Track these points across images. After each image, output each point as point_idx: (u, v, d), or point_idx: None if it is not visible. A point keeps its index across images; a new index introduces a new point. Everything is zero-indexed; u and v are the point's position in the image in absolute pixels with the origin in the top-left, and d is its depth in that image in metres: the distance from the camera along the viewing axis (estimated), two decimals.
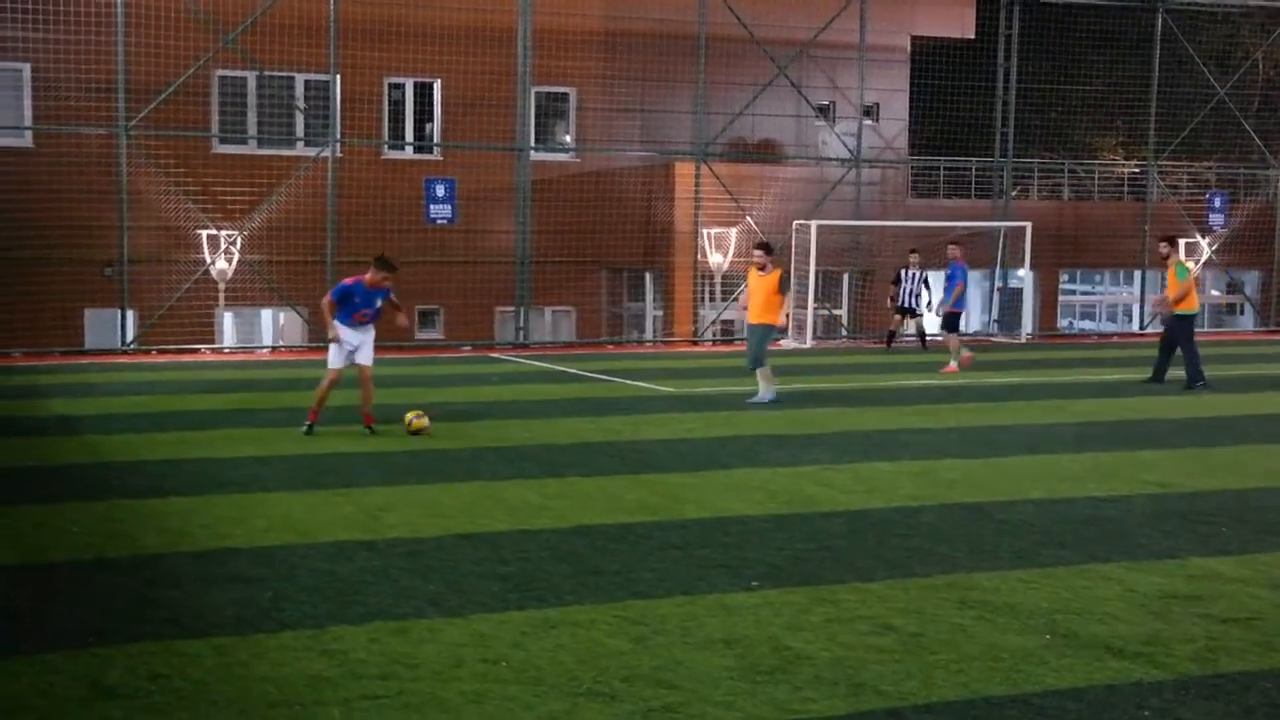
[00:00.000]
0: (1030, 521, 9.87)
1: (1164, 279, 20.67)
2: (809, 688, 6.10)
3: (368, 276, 14.07)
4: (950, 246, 23.66)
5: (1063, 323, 34.91)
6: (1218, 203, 32.54)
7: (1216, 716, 5.76)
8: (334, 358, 14.13)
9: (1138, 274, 33.27)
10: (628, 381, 20.12)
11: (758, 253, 17.66)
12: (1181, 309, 19.89)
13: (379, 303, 14.18)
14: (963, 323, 24.02)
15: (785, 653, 6.61)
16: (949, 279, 23.59)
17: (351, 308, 14.01)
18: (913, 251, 26.47)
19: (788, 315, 17.52)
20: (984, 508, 10.38)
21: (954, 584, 7.99)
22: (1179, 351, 19.77)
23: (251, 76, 27.56)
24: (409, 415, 14.11)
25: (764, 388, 17.35)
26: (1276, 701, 5.94)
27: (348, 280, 14.13)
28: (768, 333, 17.51)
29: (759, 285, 17.42)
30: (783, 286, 17.44)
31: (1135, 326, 33.39)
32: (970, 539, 9.25)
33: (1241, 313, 35.78)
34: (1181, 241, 24.14)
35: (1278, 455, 13.11)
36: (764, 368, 17.39)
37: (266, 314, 28.86)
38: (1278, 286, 33.79)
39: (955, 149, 32.16)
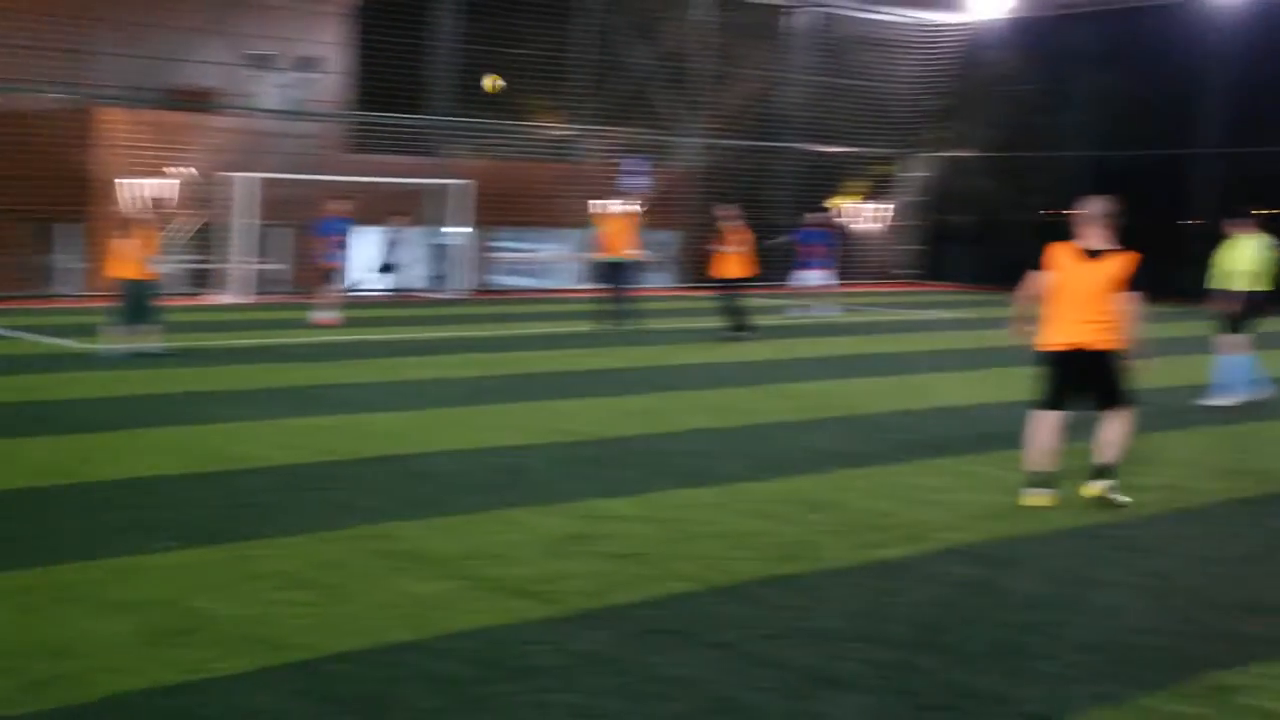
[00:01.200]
0: (448, 471, 10.17)
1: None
2: (217, 646, 6.03)
3: None
4: (331, 202, 23.51)
5: (497, 279, 35.97)
6: (638, 166, 34.55)
7: (601, 644, 6.20)
8: None
9: (568, 233, 34.79)
10: (42, 339, 18.95)
11: (143, 208, 17.29)
12: (627, 256, 22.67)
13: None
14: (340, 279, 23.66)
15: (196, 613, 6.50)
16: (323, 233, 23.27)
17: None
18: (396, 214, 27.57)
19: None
20: (405, 459, 10.60)
21: (371, 535, 8.12)
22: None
23: None
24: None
25: (133, 343, 16.98)
26: (654, 627, 6.46)
27: None
28: (148, 289, 17.14)
29: (138, 241, 17.04)
30: (154, 242, 17.20)
31: (566, 283, 34.92)
32: (390, 490, 9.43)
33: (661, 271, 38.22)
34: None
35: (688, 400, 14.17)
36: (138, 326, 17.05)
37: None
38: (691, 245, 36.32)
39: (396, 105, 32.28)
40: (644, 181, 34.36)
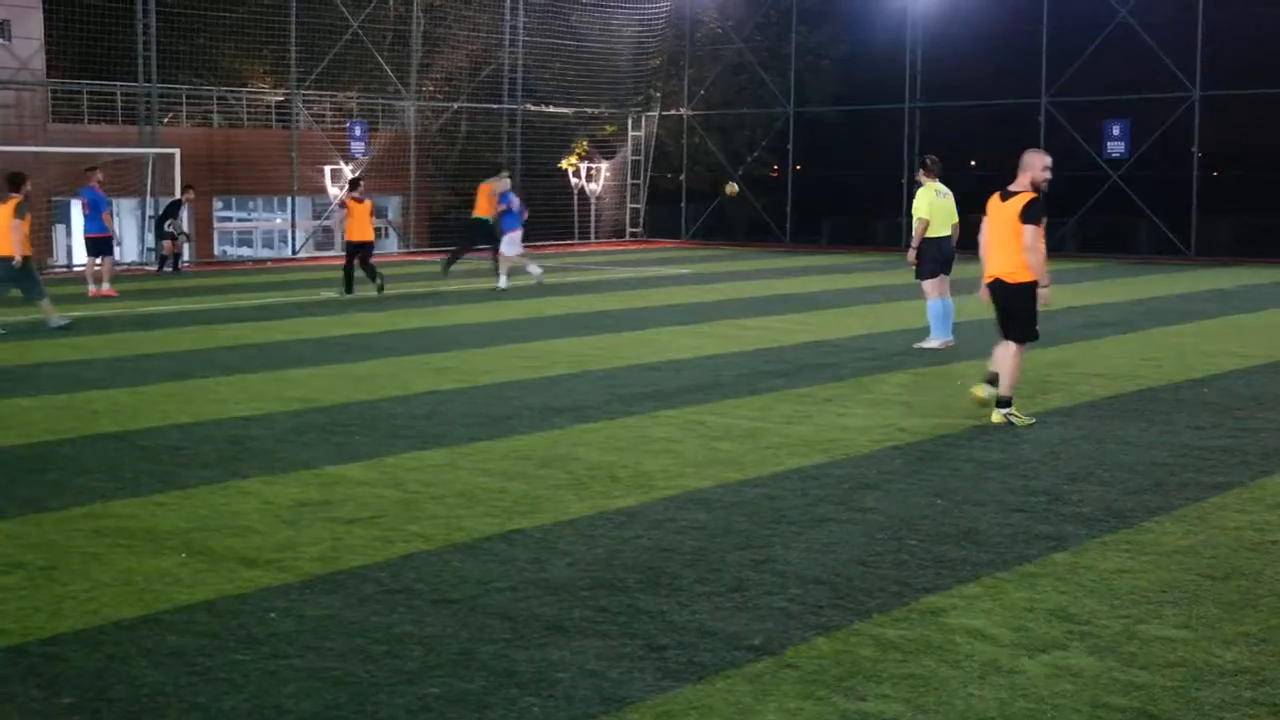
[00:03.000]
0: (174, 445, 9.90)
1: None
2: None
3: None
4: (90, 171, 23.82)
5: (219, 250, 34.96)
6: (358, 131, 34.01)
7: (335, 608, 6.17)
8: None
9: (289, 200, 34.03)
10: None
11: None
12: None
13: None
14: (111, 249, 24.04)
15: None
16: (92, 205, 23.27)
17: None
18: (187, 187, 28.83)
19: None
20: (127, 436, 10.26)
21: (90, 514, 7.86)
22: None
23: None
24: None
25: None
26: (389, 588, 6.46)
27: None
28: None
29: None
30: (20, 212, 17.10)
31: (290, 251, 34.17)
32: (111, 468, 9.12)
33: (386, 236, 37.75)
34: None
35: (418, 363, 14.07)
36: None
37: None
38: (416, 209, 36.03)
39: (98, 72, 30.91)
40: (364, 147, 33.86)
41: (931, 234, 15.34)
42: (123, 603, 6.24)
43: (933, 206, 15.37)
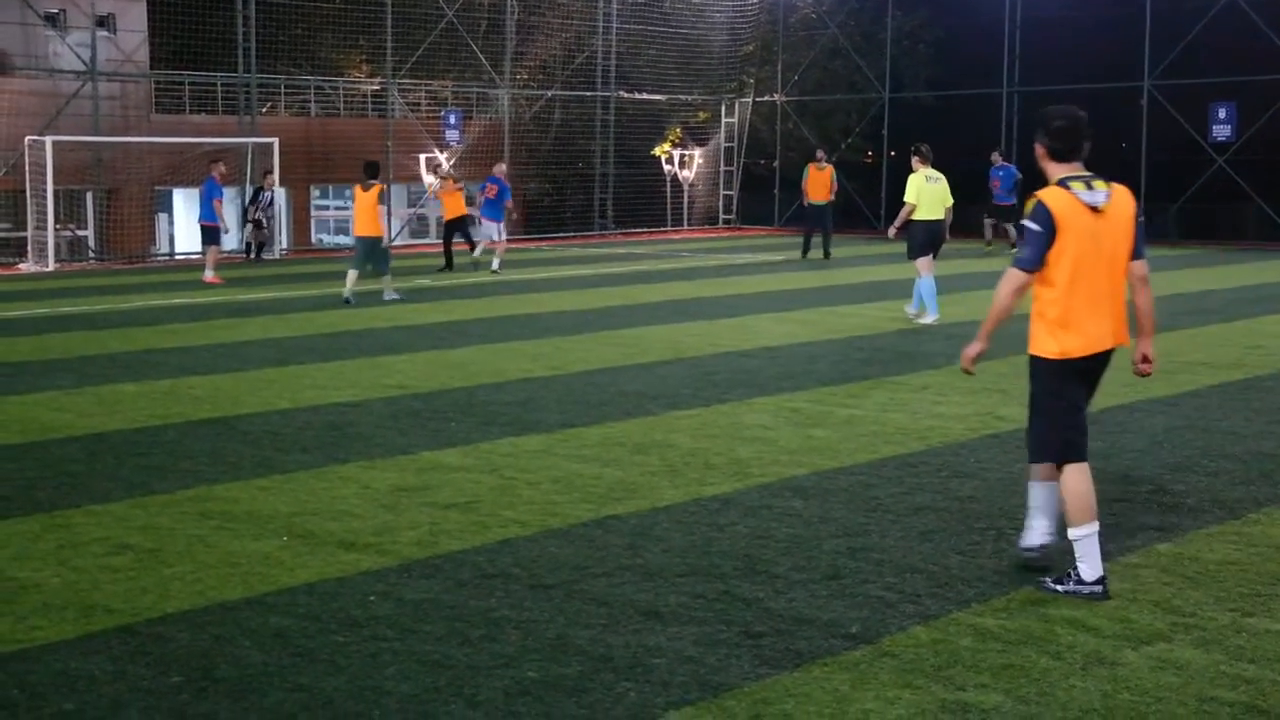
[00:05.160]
0: (274, 431, 10.04)
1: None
2: (35, 616, 5.90)
3: None
4: (213, 163, 24.95)
5: (316, 238, 35.38)
6: (453, 119, 34.23)
7: (434, 591, 6.23)
8: None
9: (392, 188, 34.33)
10: None
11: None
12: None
13: None
14: (219, 238, 24.80)
15: (10, 583, 6.35)
16: (206, 194, 24.25)
17: None
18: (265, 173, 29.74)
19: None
20: (229, 421, 10.43)
21: (195, 497, 8.00)
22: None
23: None
24: None
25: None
26: (486, 573, 6.51)
27: None
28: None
29: (364, 201, 19.18)
30: (382, 198, 19.66)
31: (385, 239, 34.43)
32: (213, 452, 9.28)
33: (479, 224, 37.85)
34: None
35: (512, 350, 14.15)
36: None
37: None
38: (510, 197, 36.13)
39: (199, 63, 31.42)
40: (458, 135, 34.05)
41: (922, 217, 16.38)
42: (227, 584, 6.35)
43: (920, 191, 16.39)
